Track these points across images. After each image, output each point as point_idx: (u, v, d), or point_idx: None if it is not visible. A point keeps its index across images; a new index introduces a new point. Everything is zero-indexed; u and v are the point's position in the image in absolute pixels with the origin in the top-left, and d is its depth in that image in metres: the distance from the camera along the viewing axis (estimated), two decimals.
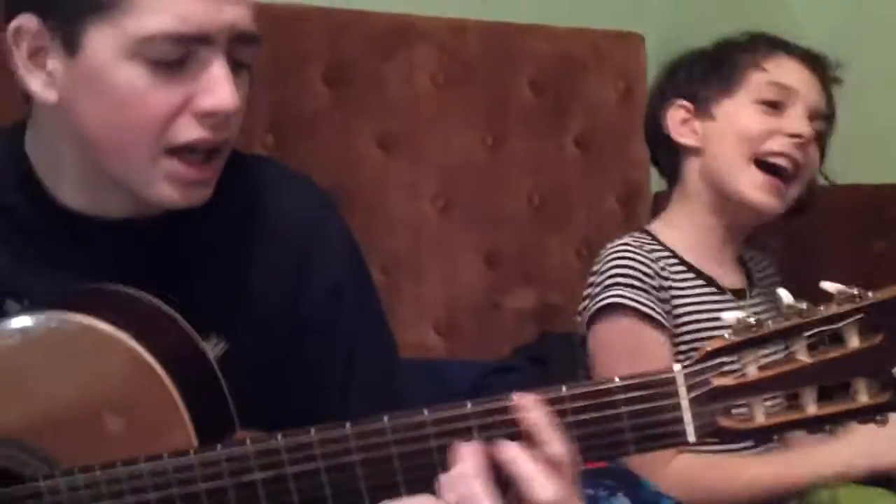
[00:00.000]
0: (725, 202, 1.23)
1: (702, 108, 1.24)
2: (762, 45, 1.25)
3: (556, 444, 0.69)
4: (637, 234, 1.26)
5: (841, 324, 0.63)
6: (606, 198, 1.96)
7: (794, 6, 1.67)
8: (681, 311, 1.20)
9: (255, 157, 1.01)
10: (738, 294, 1.25)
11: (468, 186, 1.80)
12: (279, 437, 0.74)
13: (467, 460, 0.69)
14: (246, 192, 0.92)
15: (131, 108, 0.81)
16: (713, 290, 1.23)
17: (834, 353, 0.64)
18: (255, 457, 0.74)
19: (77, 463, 0.77)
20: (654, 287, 1.18)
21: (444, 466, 0.71)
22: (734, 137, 1.21)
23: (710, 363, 0.67)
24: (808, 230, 1.37)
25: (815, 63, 1.25)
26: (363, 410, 0.74)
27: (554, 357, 1.69)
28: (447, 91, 1.78)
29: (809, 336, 0.64)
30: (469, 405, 0.72)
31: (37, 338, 0.80)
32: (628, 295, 1.17)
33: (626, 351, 1.17)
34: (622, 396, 0.69)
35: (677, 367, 0.68)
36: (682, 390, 0.67)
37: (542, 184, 1.88)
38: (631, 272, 1.18)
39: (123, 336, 0.78)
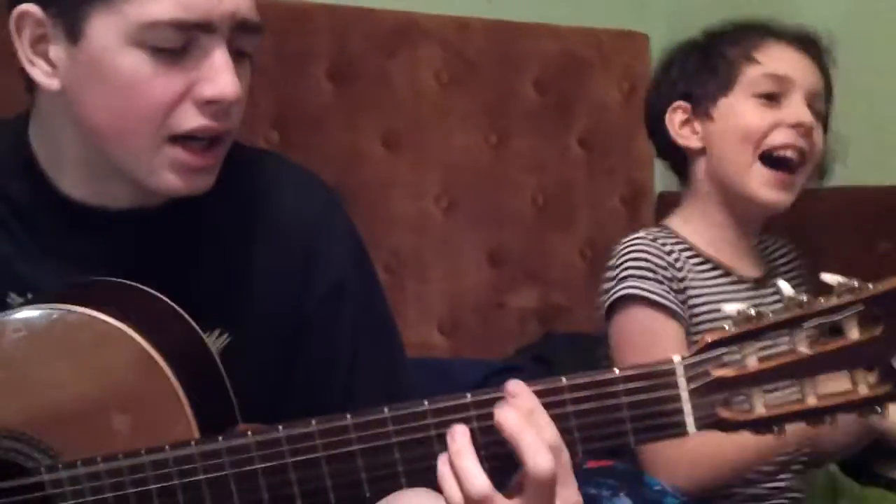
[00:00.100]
0: (735, 200, 1.23)
1: (700, 109, 1.24)
2: (751, 34, 1.24)
3: (549, 430, 0.69)
4: (652, 229, 1.27)
5: (841, 315, 0.63)
6: (610, 197, 1.96)
7: (799, 5, 1.67)
8: (697, 300, 1.20)
9: (261, 152, 1.01)
10: (757, 283, 1.25)
11: (472, 185, 1.80)
12: (280, 427, 0.74)
13: (457, 440, 0.71)
14: (250, 186, 0.92)
15: (133, 96, 0.81)
16: (731, 279, 1.23)
17: (834, 345, 0.65)
18: (256, 447, 0.74)
19: (79, 455, 0.77)
20: (667, 278, 1.19)
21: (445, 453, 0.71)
22: (736, 136, 1.21)
23: (710, 354, 0.67)
24: (811, 231, 1.36)
25: (808, 43, 1.23)
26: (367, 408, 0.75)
27: (558, 357, 1.69)
28: (451, 89, 1.78)
29: (809, 327, 0.65)
30: (468, 396, 0.72)
31: (39, 330, 0.80)
32: (642, 286, 1.19)
33: (641, 341, 1.18)
34: (622, 387, 0.69)
35: (677, 358, 0.68)
36: (682, 381, 0.67)
37: (545, 183, 1.88)
38: (644, 264, 1.20)
39: (126, 329, 0.79)
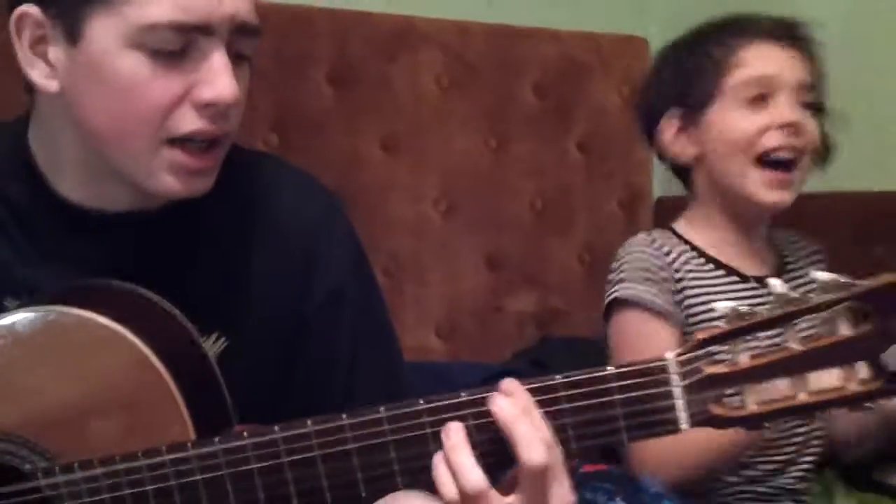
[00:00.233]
0: (736, 203, 1.24)
1: (690, 119, 1.24)
2: (732, 34, 1.22)
3: (543, 427, 0.70)
4: (654, 232, 1.28)
5: (832, 312, 0.64)
6: (609, 202, 1.96)
7: (799, 6, 1.67)
8: (695, 300, 1.21)
9: (260, 155, 1.01)
10: (760, 281, 1.24)
11: (471, 189, 1.81)
12: (276, 428, 0.74)
13: (451, 436, 0.71)
14: (250, 190, 0.92)
15: (131, 98, 0.81)
16: (733, 279, 1.24)
17: (825, 341, 0.65)
18: (253, 448, 0.74)
19: (76, 458, 0.77)
20: (663, 279, 1.20)
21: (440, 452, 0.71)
22: (728, 144, 1.21)
23: (702, 352, 0.67)
24: (807, 234, 1.36)
25: (790, 35, 1.22)
26: None
27: (555, 361, 1.69)
28: (451, 93, 1.78)
29: (801, 324, 0.65)
30: (463, 394, 0.72)
31: (36, 333, 0.80)
32: (635, 288, 1.20)
33: (635, 343, 1.20)
34: (616, 385, 0.69)
35: (670, 355, 0.68)
36: (675, 378, 0.68)
37: (544, 187, 1.88)
38: (638, 266, 1.21)
39: (123, 331, 0.79)
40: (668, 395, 0.68)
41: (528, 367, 1.70)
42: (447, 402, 0.72)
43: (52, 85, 0.83)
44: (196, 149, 0.83)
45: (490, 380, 1.50)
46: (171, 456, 0.75)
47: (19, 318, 0.81)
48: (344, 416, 0.73)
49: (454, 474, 0.70)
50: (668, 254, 1.22)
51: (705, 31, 1.26)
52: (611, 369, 0.70)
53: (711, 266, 1.24)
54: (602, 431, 0.70)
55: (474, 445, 0.71)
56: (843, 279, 0.63)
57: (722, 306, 0.67)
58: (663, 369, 0.68)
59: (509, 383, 0.71)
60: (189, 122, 0.82)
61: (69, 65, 0.82)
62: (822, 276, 0.64)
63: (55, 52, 0.83)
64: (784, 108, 1.18)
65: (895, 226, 1.52)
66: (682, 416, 0.68)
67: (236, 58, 0.83)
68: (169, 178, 0.83)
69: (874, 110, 1.64)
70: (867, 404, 0.64)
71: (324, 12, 1.67)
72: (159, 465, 0.75)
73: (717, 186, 1.24)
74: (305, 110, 1.65)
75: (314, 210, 0.93)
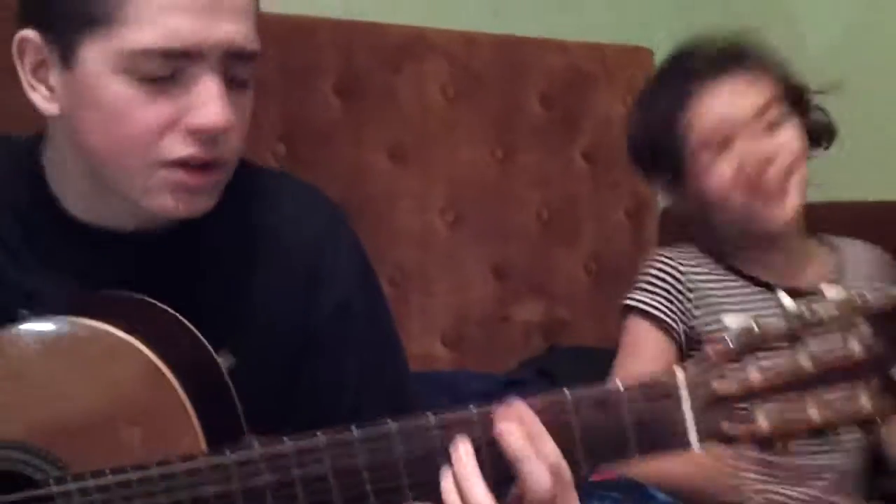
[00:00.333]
0: (744, 228, 1.24)
1: (675, 178, 1.25)
2: (680, 88, 1.21)
3: (551, 449, 0.70)
4: (683, 244, 1.29)
5: (843, 330, 0.64)
6: (615, 212, 1.97)
7: (800, 22, 1.67)
8: (711, 308, 1.22)
9: (264, 170, 1.01)
10: (792, 292, 1.24)
11: (477, 199, 1.81)
12: (287, 441, 0.75)
13: (462, 462, 0.71)
14: (254, 206, 0.92)
15: (122, 123, 0.81)
16: (754, 290, 1.24)
17: (836, 359, 0.65)
18: (264, 461, 0.74)
19: (89, 467, 0.78)
20: (667, 290, 1.23)
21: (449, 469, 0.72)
22: (718, 193, 1.21)
23: (712, 369, 0.67)
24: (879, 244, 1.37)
25: (733, 65, 1.21)
26: None
27: (562, 370, 1.70)
28: (457, 103, 1.79)
29: (811, 341, 0.65)
30: (474, 410, 0.72)
31: (49, 343, 0.81)
32: (640, 297, 1.24)
33: (628, 347, 1.25)
34: (625, 401, 0.69)
35: (679, 372, 0.68)
36: (684, 394, 0.68)
37: (550, 197, 1.89)
38: (650, 277, 1.25)
39: (135, 342, 0.79)
40: (678, 413, 0.68)
41: (535, 376, 1.70)
42: (457, 418, 0.72)
43: (52, 108, 0.84)
44: (193, 168, 0.82)
45: (497, 390, 1.52)
46: (184, 467, 0.76)
47: (32, 328, 0.81)
48: (354, 429, 0.74)
49: (462, 494, 0.71)
50: (681, 265, 1.24)
51: (656, 90, 1.26)
52: (620, 385, 0.70)
53: (732, 277, 1.25)
54: (612, 449, 0.70)
55: (483, 461, 0.71)
56: (854, 295, 0.63)
57: (732, 321, 0.67)
58: (673, 386, 0.68)
59: (517, 406, 0.71)
60: (179, 147, 0.81)
61: (66, 89, 0.83)
62: (833, 291, 0.64)
63: (54, 77, 0.83)
64: (752, 145, 1.18)
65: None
66: (692, 433, 0.68)
67: (232, 82, 0.82)
68: (165, 198, 0.83)
69: (874, 120, 1.64)
70: (878, 421, 0.64)
71: (330, 23, 1.68)
72: (171, 476, 0.76)
73: (727, 223, 1.25)
74: (312, 121, 1.65)
75: (318, 223, 0.93)
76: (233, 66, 0.82)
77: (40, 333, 0.81)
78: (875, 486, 1.26)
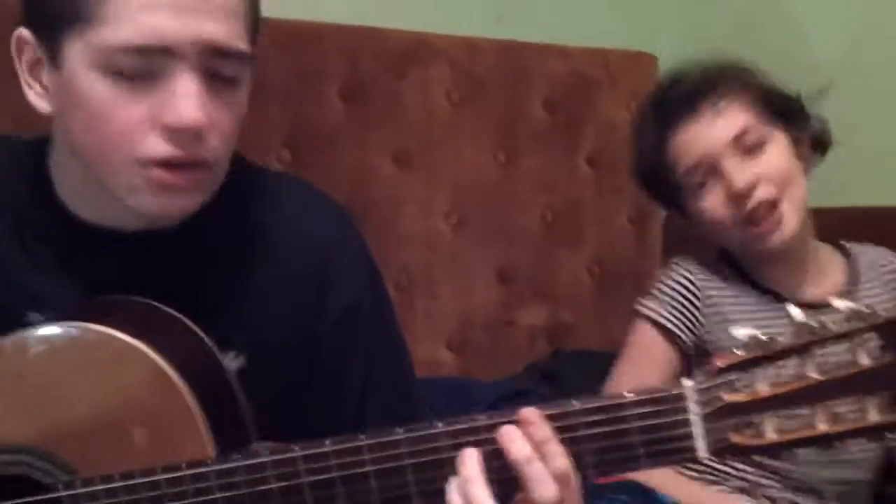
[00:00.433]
0: (742, 250, 1.27)
1: (676, 211, 1.29)
2: (659, 128, 1.24)
3: (560, 458, 0.70)
4: (708, 253, 1.30)
5: (852, 341, 0.64)
6: (618, 216, 1.97)
7: (804, 26, 1.67)
8: (725, 318, 1.23)
9: (273, 173, 1.01)
10: (811, 306, 1.24)
11: (481, 203, 1.81)
12: (295, 447, 0.75)
13: (467, 466, 0.71)
14: (261, 208, 0.92)
15: (103, 121, 0.81)
16: (774, 300, 1.24)
17: (845, 372, 0.65)
18: (272, 467, 0.75)
19: (97, 472, 0.78)
20: (688, 301, 1.25)
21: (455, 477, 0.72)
22: (713, 225, 1.23)
23: (721, 380, 0.68)
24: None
25: (709, 94, 1.22)
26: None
27: (566, 374, 1.70)
28: (461, 108, 1.79)
29: (821, 354, 0.65)
30: (483, 418, 0.73)
31: (58, 348, 0.81)
32: (652, 306, 1.26)
33: (632, 352, 1.27)
34: (634, 412, 0.70)
35: (689, 383, 0.69)
36: (694, 406, 0.68)
37: (554, 201, 1.89)
38: (666, 287, 1.27)
39: (143, 347, 0.80)
40: (687, 423, 0.69)
41: (540, 380, 1.71)
42: (465, 427, 0.73)
43: (46, 107, 0.84)
44: (174, 167, 0.82)
45: (506, 399, 1.52)
46: (191, 472, 0.76)
47: (42, 333, 0.82)
48: (363, 437, 0.74)
49: (466, 500, 0.71)
50: (697, 278, 1.25)
51: (642, 127, 1.28)
52: (629, 396, 0.70)
53: (750, 290, 1.26)
54: (620, 458, 0.70)
55: (490, 470, 0.71)
56: (863, 308, 0.64)
57: (741, 333, 0.67)
58: (682, 397, 0.69)
59: (529, 413, 0.71)
60: (156, 146, 0.80)
61: (55, 87, 0.83)
62: (842, 304, 0.64)
63: (46, 75, 0.83)
64: (731, 178, 1.19)
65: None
66: (701, 444, 0.68)
67: (218, 80, 0.81)
68: (148, 197, 0.82)
69: (880, 132, 1.64)
70: (888, 434, 0.65)
71: (335, 29, 1.68)
72: (179, 482, 0.76)
73: (730, 246, 1.27)
74: (317, 126, 1.65)
75: (326, 228, 0.93)
76: (213, 63, 0.80)
77: (49, 338, 0.82)
78: (885, 494, 1.26)
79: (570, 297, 1.89)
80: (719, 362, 0.68)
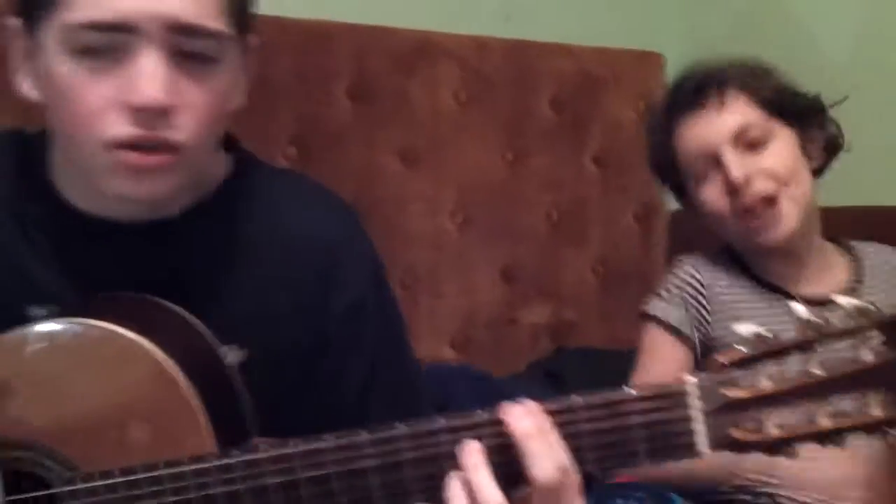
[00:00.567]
0: (739, 245, 1.27)
1: (683, 199, 1.31)
2: (667, 118, 1.26)
3: (559, 450, 0.70)
4: (708, 251, 1.31)
5: (854, 338, 0.64)
6: (624, 216, 1.97)
7: (807, 25, 1.67)
8: (729, 314, 1.23)
9: (280, 170, 1.01)
10: (812, 303, 1.23)
11: (487, 202, 1.81)
12: (295, 442, 0.75)
13: (471, 455, 0.71)
14: (268, 204, 0.92)
15: (70, 102, 0.80)
16: (778, 296, 1.25)
17: (848, 368, 0.65)
18: (273, 462, 0.74)
19: (99, 468, 0.78)
20: (693, 299, 1.25)
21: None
22: (715, 217, 1.24)
23: (723, 376, 0.68)
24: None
25: (711, 92, 1.23)
26: None
27: (569, 372, 1.70)
28: (469, 107, 1.79)
29: (823, 349, 0.65)
30: (483, 413, 0.73)
31: (60, 344, 0.81)
32: (658, 305, 1.27)
33: (646, 354, 1.26)
34: (636, 407, 0.70)
35: (691, 379, 0.69)
36: (695, 402, 0.68)
37: (560, 201, 1.89)
38: (671, 286, 1.27)
39: (145, 343, 0.79)
40: (688, 419, 0.68)
41: (543, 378, 1.71)
42: (467, 422, 0.72)
43: (34, 94, 0.84)
44: (142, 149, 0.80)
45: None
46: (192, 467, 0.76)
47: (45, 329, 0.82)
48: (363, 432, 0.74)
49: (474, 494, 0.70)
50: (703, 276, 1.26)
51: (653, 121, 1.31)
52: (630, 392, 0.70)
53: (751, 284, 1.26)
54: (621, 454, 0.70)
55: (491, 464, 0.71)
56: (866, 305, 0.63)
57: (744, 330, 0.67)
58: (683, 393, 0.69)
59: (527, 404, 0.71)
60: (121, 126, 0.79)
61: (37, 74, 0.83)
62: (846, 301, 0.64)
63: (30, 63, 0.83)
64: (726, 170, 1.20)
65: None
66: (702, 439, 0.68)
67: (188, 58, 0.80)
68: (119, 179, 0.81)
69: (882, 132, 1.64)
70: (888, 430, 0.64)
71: (343, 27, 1.68)
72: (180, 477, 0.76)
73: (731, 239, 1.27)
74: (325, 124, 1.66)
75: (333, 226, 0.93)
76: (181, 41, 0.79)
77: (51, 334, 0.81)
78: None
79: (575, 296, 1.89)
80: (722, 359, 0.68)
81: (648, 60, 1.97)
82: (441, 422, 0.73)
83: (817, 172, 1.26)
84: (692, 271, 1.27)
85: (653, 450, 0.69)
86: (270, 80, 1.54)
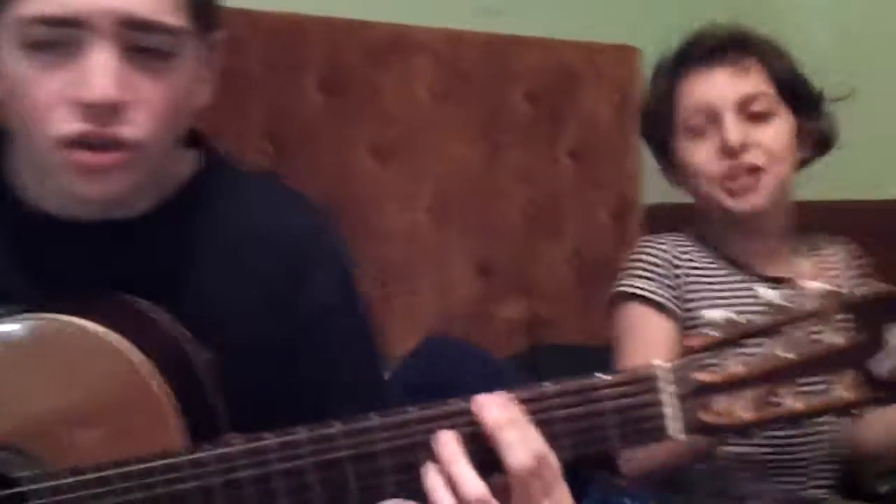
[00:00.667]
0: (719, 214, 1.27)
1: (663, 156, 1.30)
2: (674, 67, 1.27)
3: (534, 438, 0.70)
4: (676, 233, 1.31)
5: (822, 321, 0.65)
6: (599, 210, 1.97)
7: (790, 19, 1.68)
8: (697, 295, 1.24)
9: (250, 172, 1.00)
10: (777, 281, 1.20)
11: (462, 196, 1.81)
12: (268, 436, 0.74)
13: (447, 447, 0.71)
14: (236, 201, 0.91)
15: (22, 98, 0.80)
16: (745, 277, 1.26)
17: (815, 350, 0.66)
18: (245, 456, 0.74)
19: (67, 465, 0.77)
20: (660, 275, 1.24)
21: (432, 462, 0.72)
22: (696, 177, 1.25)
23: (693, 360, 0.68)
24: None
25: (728, 52, 1.24)
26: None
27: (545, 367, 1.70)
28: (443, 101, 1.79)
29: (791, 332, 0.66)
30: (456, 403, 0.72)
31: (26, 340, 0.80)
32: (638, 284, 1.25)
33: (630, 335, 1.24)
34: (607, 393, 0.70)
35: (661, 363, 0.69)
36: (666, 386, 0.68)
37: (535, 195, 1.89)
38: (641, 263, 1.26)
39: (115, 338, 0.79)
40: (659, 403, 0.69)
41: (518, 373, 1.71)
42: (439, 410, 0.72)
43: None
44: (93, 147, 0.80)
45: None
46: (162, 462, 0.75)
47: (10, 326, 0.80)
48: (337, 424, 0.73)
49: (454, 485, 0.70)
50: (667, 251, 1.26)
51: (661, 68, 1.30)
52: (602, 377, 0.70)
53: (718, 263, 1.27)
54: (595, 439, 0.70)
55: (466, 452, 0.71)
56: (832, 288, 0.64)
57: (714, 314, 0.67)
58: (654, 377, 0.69)
59: (498, 394, 0.71)
60: (70, 122, 0.78)
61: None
62: (812, 285, 0.65)
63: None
64: (724, 132, 1.21)
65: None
66: (673, 423, 0.68)
67: (142, 53, 0.79)
68: (72, 178, 0.80)
69: (866, 126, 1.65)
70: (854, 412, 0.65)
71: (316, 20, 1.67)
72: (149, 473, 0.75)
73: (700, 201, 1.28)
74: (298, 119, 1.65)
75: (301, 222, 0.92)
76: (134, 36, 0.78)
77: (18, 330, 0.80)
78: (866, 488, 1.27)
79: (550, 291, 1.89)
80: (692, 343, 0.68)
81: (625, 54, 1.98)
82: (414, 411, 0.72)
83: (802, 163, 1.28)
84: (667, 248, 1.26)
85: (625, 434, 0.70)
86: (242, 74, 1.54)
